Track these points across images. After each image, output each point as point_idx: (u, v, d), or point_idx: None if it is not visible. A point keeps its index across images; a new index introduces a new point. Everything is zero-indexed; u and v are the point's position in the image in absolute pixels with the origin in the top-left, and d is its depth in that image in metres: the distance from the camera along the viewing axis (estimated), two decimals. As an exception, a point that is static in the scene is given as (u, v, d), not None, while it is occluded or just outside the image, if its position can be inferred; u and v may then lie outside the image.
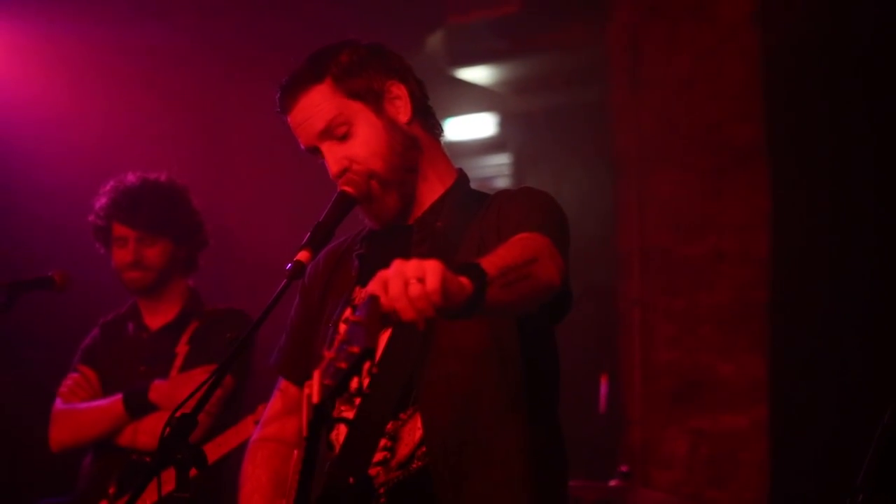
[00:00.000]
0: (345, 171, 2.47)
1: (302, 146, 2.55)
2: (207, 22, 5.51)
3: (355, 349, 1.83)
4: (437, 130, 2.62)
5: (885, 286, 4.73)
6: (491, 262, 2.03)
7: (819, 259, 4.97)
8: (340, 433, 2.44)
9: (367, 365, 1.87)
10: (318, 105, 2.47)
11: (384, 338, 2.35)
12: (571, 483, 4.16)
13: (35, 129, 5.12)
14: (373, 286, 1.90)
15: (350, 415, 2.03)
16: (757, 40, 5.26)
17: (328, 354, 1.86)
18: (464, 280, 1.95)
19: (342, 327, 2.50)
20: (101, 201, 3.92)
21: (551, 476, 2.48)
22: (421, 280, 1.87)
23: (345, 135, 2.48)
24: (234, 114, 5.61)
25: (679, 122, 5.48)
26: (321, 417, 1.90)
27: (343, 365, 1.83)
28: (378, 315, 1.86)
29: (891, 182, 4.81)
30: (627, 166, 5.63)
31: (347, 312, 2.53)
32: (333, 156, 2.49)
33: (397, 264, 1.90)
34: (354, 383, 1.88)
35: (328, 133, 2.48)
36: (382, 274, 1.90)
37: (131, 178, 3.94)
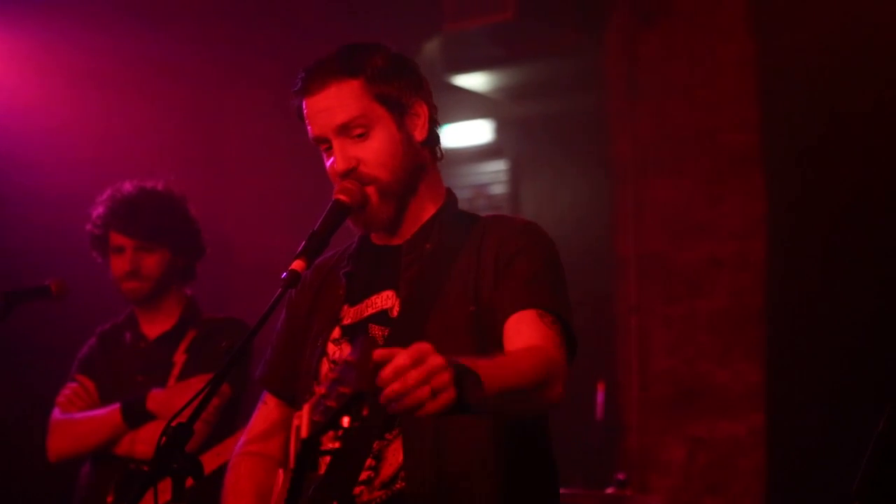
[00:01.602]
0: (351, 170, 2.45)
1: (312, 133, 2.51)
2: (204, 31, 5.52)
3: (346, 390, 1.82)
4: (439, 156, 2.61)
5: (882, 292, 4.73)
6: (495, 380, 2.01)
7: (815, 265, 4.97)
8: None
9: (359, 407, 1.86)
10: (344, 99, 2.45)
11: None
12: (569, 491, 4.17)
13: (32, 137, 5.12)
14: (401, 357, 1.84)
15: (336, 444, 2.02)
16: (752, 47, 5.28)
17: (319, 390, 1.85)
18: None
19: (331, 347, 2.52)
20: (98, 210, 3.91)
21: None
22: (434, 394, 1.85)
23: (361, 135, 2.46)
24: (232, 122, 5.62)
25: (675, 128, 5.50)
26: (309, 451, 1.89)
27: (333, 404, 1.83)
28: (371, 362, 1.84)
29: (887, 187, 4.82)
30: (624, 173, 5.64)
31: (336, 332, 2.53)
32: (344, 153, 2.46)
33: (433, 361, 1.85)
34: (345, 421, 1.88)
35: (346, 129, 2.45)
36: (417, 352, 1.85)
37: (128, 186, 3.92)
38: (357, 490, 2.38)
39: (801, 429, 4.92)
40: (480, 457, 2.38)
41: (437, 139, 2.59)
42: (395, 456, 2.39)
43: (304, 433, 1.87)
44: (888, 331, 4.63)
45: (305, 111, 2.50)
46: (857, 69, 4.89)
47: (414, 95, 2.52)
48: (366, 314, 2.51)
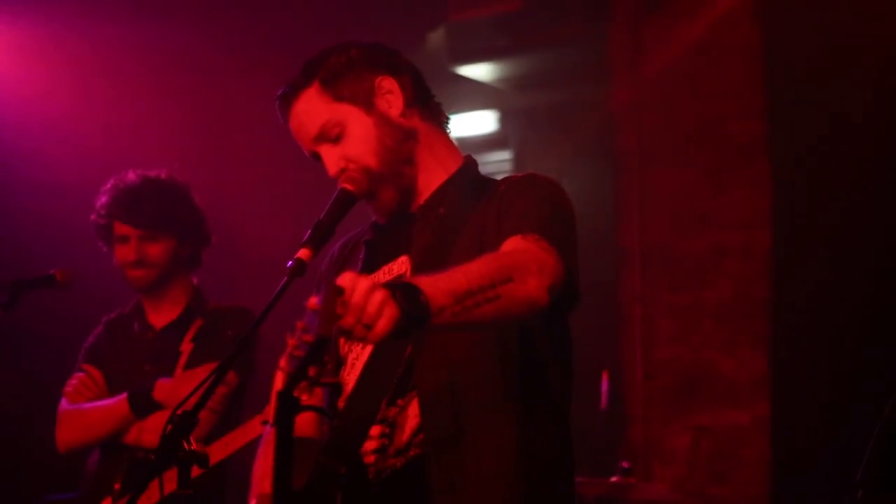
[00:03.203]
0: (343, 171, 2.49)
1: (305, 154, 2.58)
2: (211, 21, 5.52)
3: (310, 338, 1.83)
4: (439, 118, 2.62)
5: (887, 282, 4.73)
6: (447, 287, 2.05)
7: (820, 255, 4.97)
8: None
9: (322, 354, 1.87)
10: (308, 111, 2.51)
11: None
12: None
13: (39, 127, 5.14)
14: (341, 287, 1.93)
15: (312, 400, 2.03)
16: (758, 36, 5.27)
17: (291, 342, 1.87)
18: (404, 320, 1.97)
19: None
20: (102, 200, 3.91)
21: (551, 472, 2.46)
22: (369, 325, 1.92)
23: (338, 136, 2.50)
24: (238, 111, 5.61)
25: (680, 118, 5.49)
26: (286, 405, 1.89)
27: (300, 354, 1.84)
28: (334, 307, 1.86)
29: (893, 176, 4.81)
30: (629, 162, 5.64)
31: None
32: (330, 157, 2.51)
33: (364, 287, 1.94)
34: (312, 371, 1.89)
35: (322, 137, 2.51)
36: (353, 286, 1.94)
37: (132, 176, 3.93)
38: (370, 459, 2.39)
39: (805, 417, 4.93)
40: (496, 415, 2.38)
41: (426, 103, 2.59)
42: (409, 422, 2.39)
43: (278, 385, 1.87)
44: (893, 319, 4.63)
45: (293, 136, 2.58)
46: (864, 58, 4.88)
47: (375, 74, 2.53)
48: (382, 281, 2.53)
